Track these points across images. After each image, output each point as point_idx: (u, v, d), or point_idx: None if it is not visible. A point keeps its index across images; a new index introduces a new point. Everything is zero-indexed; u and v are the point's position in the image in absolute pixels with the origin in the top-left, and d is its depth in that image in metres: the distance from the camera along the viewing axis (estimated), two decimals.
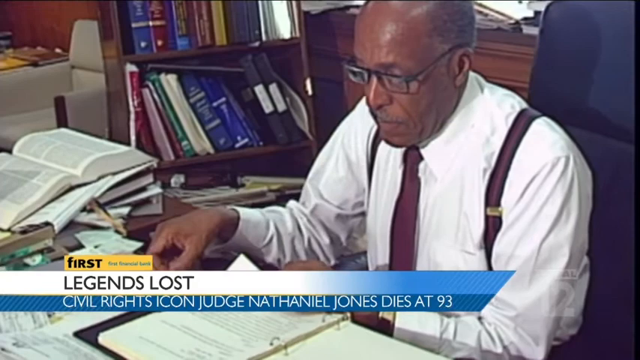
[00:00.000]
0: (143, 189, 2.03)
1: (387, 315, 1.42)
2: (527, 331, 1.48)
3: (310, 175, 1.81)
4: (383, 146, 1.64)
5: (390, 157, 1.65)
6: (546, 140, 1.48)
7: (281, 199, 3.30)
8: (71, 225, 1.86)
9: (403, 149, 1.60)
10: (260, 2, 3.30)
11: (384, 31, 1.43)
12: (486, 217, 1.50)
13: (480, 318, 1.50)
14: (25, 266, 1.68)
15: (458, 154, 1.54)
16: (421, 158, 1.57)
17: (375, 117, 1.53)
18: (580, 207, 1.48)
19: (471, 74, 1.55)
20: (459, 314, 1.48)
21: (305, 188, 1.82)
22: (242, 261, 1.53)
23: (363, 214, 1.77)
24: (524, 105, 1.56)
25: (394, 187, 1.63)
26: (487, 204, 1.50)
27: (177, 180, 3.34)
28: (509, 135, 1.50)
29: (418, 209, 1.59)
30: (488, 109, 1.53)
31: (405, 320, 1.43)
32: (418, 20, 1.43)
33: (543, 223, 1.45)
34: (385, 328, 1.42)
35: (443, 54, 1.46)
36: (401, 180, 1.62)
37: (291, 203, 1.83)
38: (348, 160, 1.74)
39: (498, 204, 1.49)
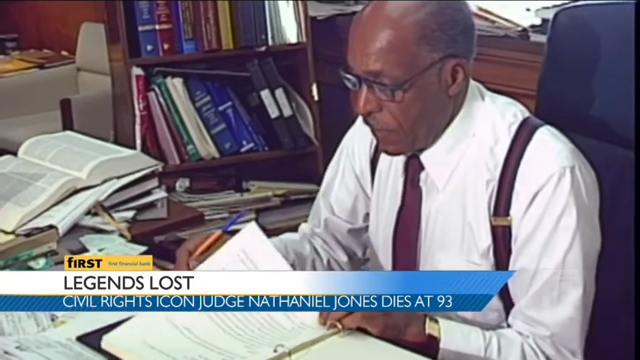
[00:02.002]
0: (148, 193, 2.03)
1: (433, 332, 1.42)
2: (564, 346, 1.47)
3: (321, 190, 1.80)
4: (384, 155, 1.63)
5: (392, 166, 1.64)
6: (551, 150, 1.48)
7: (286, 205, 3.30)
8: (75, 228, 1.86)
9: (404, 158, 1.59)
10: (267, 7, 3.30)
11: (373, 39, 1.44)
12: (493, 228, 1.50)
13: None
14: (28, 269, 1.68)
15: (459, 164, 1.53)
16: (422, 167, 1.57)
17: (369, 125, 1.53)
18: (594, 214, 1.48)
19: (472, 83, 1.54)
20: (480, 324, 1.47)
21: (315, 205, 1.81)
22: (251, 228, 1.50)
23: None
24: (527, 113, 1.55)
25: (395, 196, 1.62)
26: (494, 214, 1.49)
27: (182, 184, 3.33)
28: (513, 145, 1.49)
29: (420, 219, 1.58)
30: (489, 118, 1.53)
31: (449, 337, 1.42)
32: (407, 29, 1.43)
33: (564, 236, 1.44)
34: (430, 347, 1.41)
35: (432, 63, 1.45)
36: (402, 189, 1.61)
37: (303, 227, 1.82)
38: (354, 171, 1.73)
39: (507, 214, 1.48)
